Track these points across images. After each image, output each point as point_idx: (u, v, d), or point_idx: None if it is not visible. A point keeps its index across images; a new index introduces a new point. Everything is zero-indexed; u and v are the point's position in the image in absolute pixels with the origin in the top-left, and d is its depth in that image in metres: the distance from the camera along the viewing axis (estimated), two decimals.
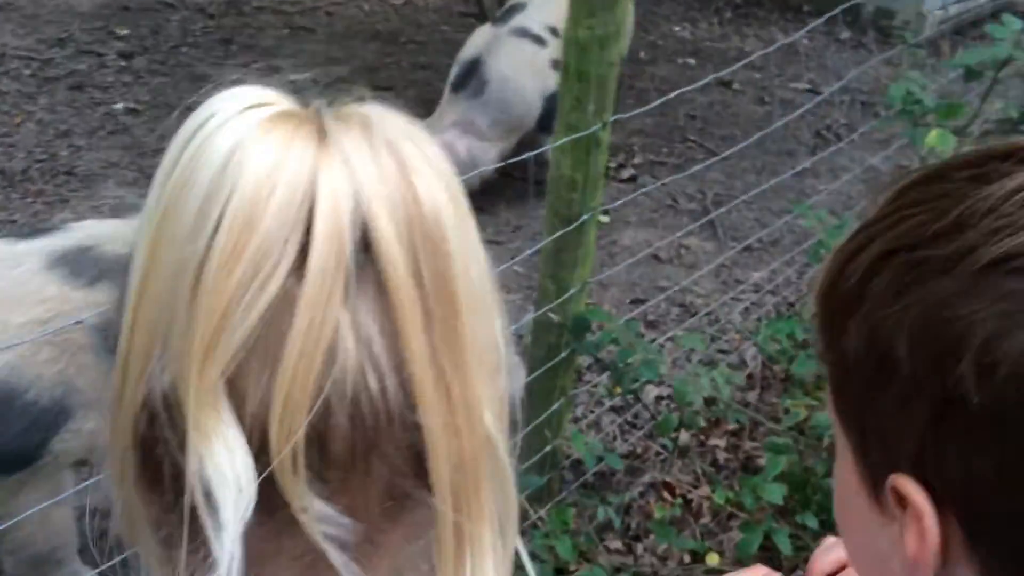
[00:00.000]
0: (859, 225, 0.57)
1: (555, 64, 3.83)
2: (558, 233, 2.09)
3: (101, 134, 4.28)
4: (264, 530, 0.47)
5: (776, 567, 2.38)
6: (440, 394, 0.47)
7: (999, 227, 0.49)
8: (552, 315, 2.18)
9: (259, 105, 0.48)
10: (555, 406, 2.33)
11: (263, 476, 0.44)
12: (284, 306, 0.44)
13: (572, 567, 2.29)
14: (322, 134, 0.47)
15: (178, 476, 0.45)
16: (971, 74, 2.44)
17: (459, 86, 3.76)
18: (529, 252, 2.17)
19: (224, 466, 0.43)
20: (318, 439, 0.46)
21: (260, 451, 0.45)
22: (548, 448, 2.36)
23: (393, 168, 0.47)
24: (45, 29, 5.22)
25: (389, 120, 0.50)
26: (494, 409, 0.51)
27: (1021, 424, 0.47)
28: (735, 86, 4.94)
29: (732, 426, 2.76)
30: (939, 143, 2.42)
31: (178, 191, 0.46)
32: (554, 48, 3.84)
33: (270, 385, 0.44)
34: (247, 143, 0.45)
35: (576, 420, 2.84)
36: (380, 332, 0.46)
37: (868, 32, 5.33)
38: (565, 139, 2.00)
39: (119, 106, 4.52)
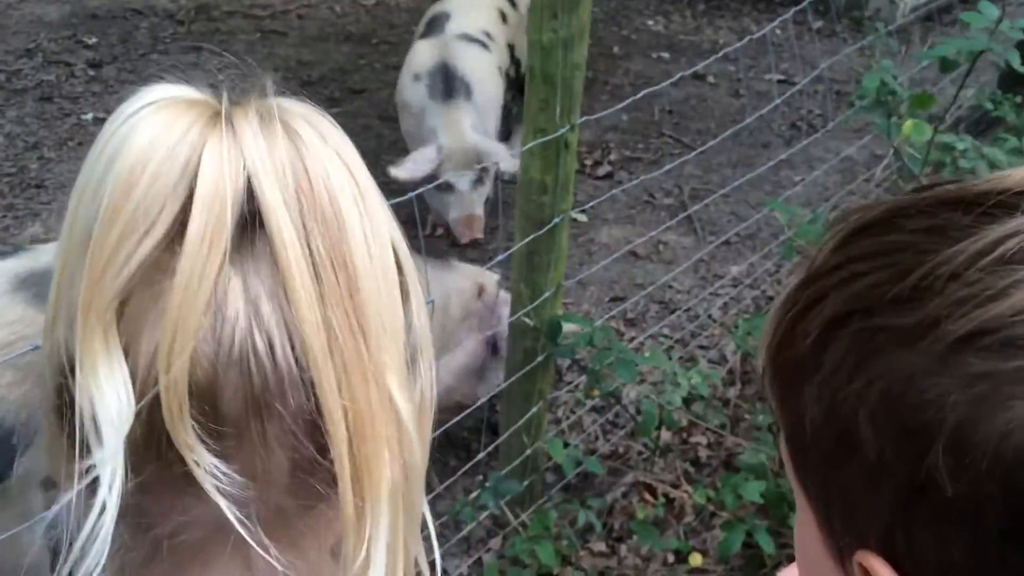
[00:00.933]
0: (806, 274, 0.53)
1: (499, 70, 3.70)
2: (530, 237, 2.07)
3: (71, 145, 4.23)
4: (163, 488, 0.50)
5: (759, 564, 2.37)
6: (334, 354, 0.50)
7: (965, 297, 0.45)
8: (527, 319, 2.16)
9: (171, 96, 0.52)
10: (533, 410, 2.32)
11: (155, 427, 0.48)
12: (166, 263, 0.49)
13: (555, 571, 2.28)
14: (216, 115, 0.51)
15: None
16: (947, 65, 2.43)
17: (448, 94, 3.49)
18: (501, 256, 2.15)
19: (105, 388, 0.48)
20: (208, 392, 0.49)
21: (155, 404, 0.48)
22: (528, 452, 2.35)
23: (285, 145, 0.51)
24: (12, 40, 5.16)
25: (291, 106, 0.53)
26: (403, 379, 0.53)
27: (1001, 514, 0.44)
28: (709, 79, 4.93)
29: (714, 423, 2.75)
30: (914, 133, 2.41)
31: (88, 171, 0.51)
32: (495, 53, 3.73)
33: (159, 337, 0.49)
34: (140, 122, 0.50)
35: (558, 421, 2.83)
36: (269, 295, 0.50)
37: (840, 21, 5.34)
38: (534, 142, 1.98)
39: (89, 116, 4.47)
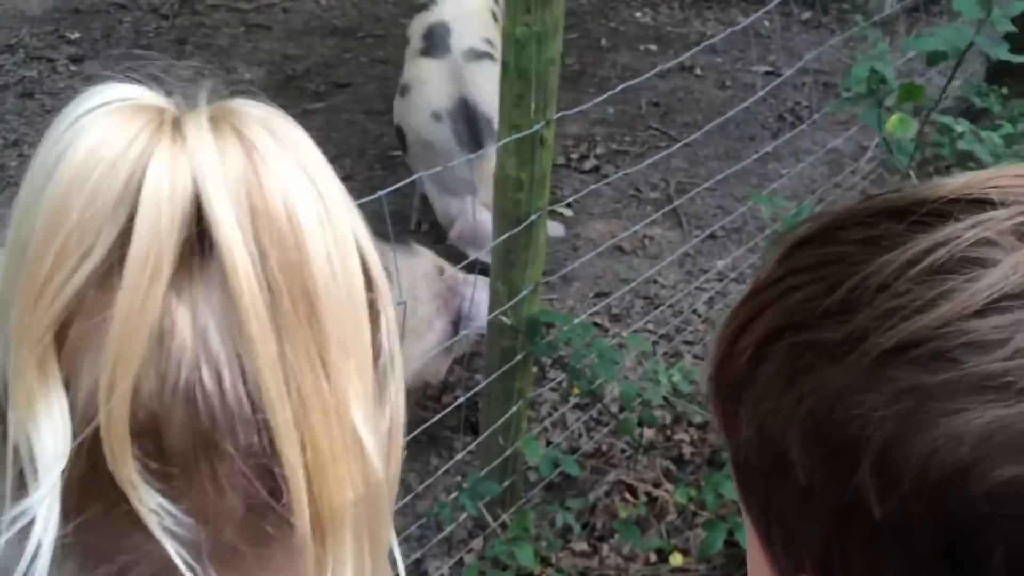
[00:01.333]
0: (751, 287, 0.51)
1: None
2: (506, 235, 2.04)
3: None
4: (109, 526, 0.47)
5: (741, 563, 2.36)
6: (290, 390, 0.46)
7: (893, 308, 0.43)
8: (504, 318, 2.14)
9: (118, 99, 0.48)
10: (513, 409, 2.29)
11: (96, 467, 0.45)
12: (108, 290, 0.45)
13: (535, 572, 2.26)
14: (165, 123, 0.47)
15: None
16: (935, 58, 2.39)
17: (477, 142, 3.28)
18: (478, 254, 2.12)
19: (41, 423, 0.44)
20: (151, 430, 0.45)
21: (96, 442, 0.45)
22: (508, 452, 2.33)
23: (239, 157, 0.46)
24: None
25: (249, 110, 0.49)
26: (368, 409, 0.49)
27: (931, 536, 0.42)
28: (697, 71, 4.90)
29: (697, 419, 2.73)
30: (900, 128, 2.38)
31: (29, 183, 0.47)
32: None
33: (100, 371, 0.45)
34: (82, 130, 0.46)
35: (541, 419, 2.81)
36: (219, 326, 0.46)
37: (827, 12, 5.31)
38: (508, 138, 1.95)
39: None
